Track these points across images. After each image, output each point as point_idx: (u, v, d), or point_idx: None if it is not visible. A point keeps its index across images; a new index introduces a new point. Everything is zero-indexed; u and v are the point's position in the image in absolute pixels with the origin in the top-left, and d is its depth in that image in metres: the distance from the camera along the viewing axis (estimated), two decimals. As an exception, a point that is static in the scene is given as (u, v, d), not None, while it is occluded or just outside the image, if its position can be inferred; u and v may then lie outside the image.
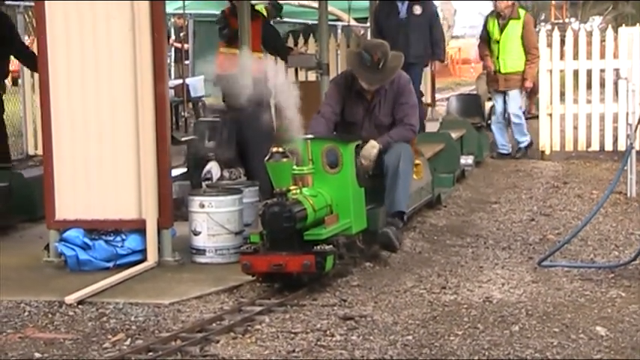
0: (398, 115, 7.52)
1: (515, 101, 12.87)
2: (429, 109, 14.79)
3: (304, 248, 6.29)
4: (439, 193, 9.42)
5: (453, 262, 7.34)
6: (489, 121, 13.80)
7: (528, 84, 12.79)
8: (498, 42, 12.67)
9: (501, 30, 12.62)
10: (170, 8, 14.76)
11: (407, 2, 11.81)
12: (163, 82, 7.25)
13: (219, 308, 6.09)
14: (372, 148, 7.28)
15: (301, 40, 14.93)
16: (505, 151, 13.03)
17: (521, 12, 12.93)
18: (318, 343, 5.38)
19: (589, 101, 13.21)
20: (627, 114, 10.68)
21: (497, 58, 12.68)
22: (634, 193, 9.73)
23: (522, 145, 13.02)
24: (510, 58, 12.59)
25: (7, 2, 12.29)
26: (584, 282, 6.72)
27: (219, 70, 9.50)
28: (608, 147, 13.02)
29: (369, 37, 12.61)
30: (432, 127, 12.40)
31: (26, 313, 6.14)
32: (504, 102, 12.89)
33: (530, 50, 12.54)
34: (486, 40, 12.96)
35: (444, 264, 7.26)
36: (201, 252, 7.20)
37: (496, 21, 12.69)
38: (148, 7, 7.04)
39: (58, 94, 7.25)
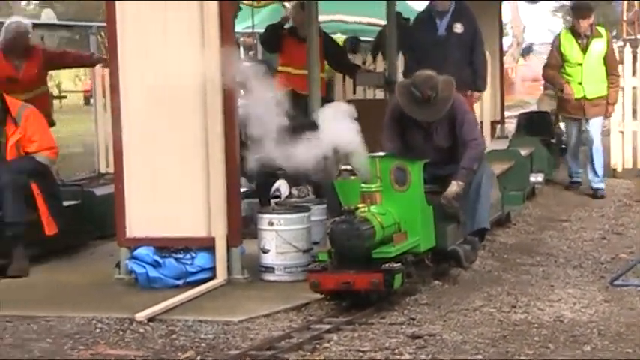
0: (461, 138, 7.39)
1: (599, 130, 11.44)
2: (498, 126, 14.64)
3: (372, 266, 6.26)
4: (509, 211, 9.37)
5: (523, 280, 7.28)
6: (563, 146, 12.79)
7: (612, 109, 11.42)
8: (580, 64, 11.02)
9: (584, 51, 11.02)
10: (239, 27, 14.85)
11: (447, 17, 10.08)
12: (232, 99, 7.28)
13: (287, 326, 6.08)
14: (455, 187, 7.14)
15: (369, 58, 14.90)
16: (579, 179, 11.70)
17: (601, 29, 11.32)
18: (387, 360, 5.37)
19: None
20: None
21: (580, 82, 11.04)
22: None
23: (597, 188, 11.23)
24: (594, 81, 11.04)
25: (81, 23, 12.54)
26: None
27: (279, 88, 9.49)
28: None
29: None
30: (501, 144, 12.28)
31: (97, 330, 6.18)
32: (579, 130, 11.46)
33: (612, 71, 11.17)
34: (560, 63, 11.20)
35: (514, 282, 7.20)
36: (270, 270, 7.22)
37: (575, 41, 11.05)
38: (217, 26, 7.10)
39: (129, 113, 7.32)
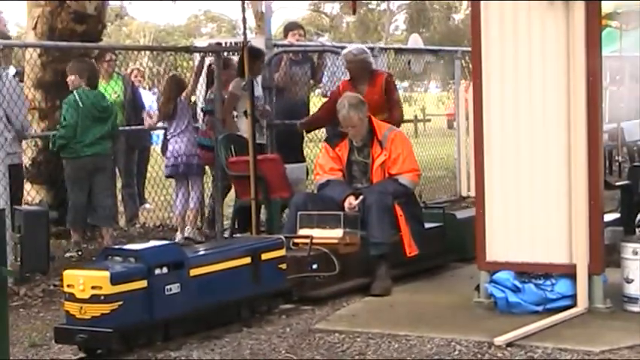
0: None
1: None
2: None
3: None
4: None
5: None
6: None
7: None
8: None
9: None
10: (606, 51, 14.49)
11: None
12: (597, 126, 7.17)
13: (651, 359, 5.91)
14: None
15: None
16: None
17: None
18: None
19: None
20: None
21: None
22: None
23: None
24: None
25: (446, 48, 12.68)
26: None
27: None
28: None
29: None
30: None
31: (456, 352, 6.24)
32: None
33: None
34: None
35: None
36: (634, 300, 7.01)
37: None
38: (583, 35, 7.01)
39: (490, 136, 7.38)
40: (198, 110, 10.75)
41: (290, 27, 12.13)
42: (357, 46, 10.41)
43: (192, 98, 10.80)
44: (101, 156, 9.86)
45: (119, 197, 12.06)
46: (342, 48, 12.16)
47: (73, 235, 10.09)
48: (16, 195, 9.35)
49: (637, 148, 14.81)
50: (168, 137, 10.74)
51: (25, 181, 10.30)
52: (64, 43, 10.82)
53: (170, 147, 10.54)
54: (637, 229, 7.77)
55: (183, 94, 10.55)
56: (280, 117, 11.01)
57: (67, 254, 9.83)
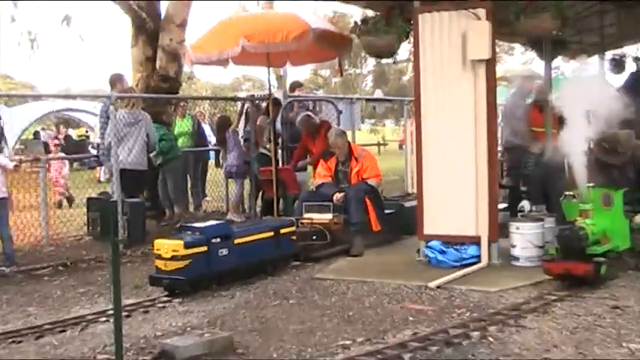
0: None
1: None
2: None
3: (586, 259, 6.03)
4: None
5: None
6: None
7: None
8: None
9: None
10: (499, 100, 14.19)
11: None
12: (494, 146, 7.14)
13: (527, 296, 5.96)
14: None
15: None
16: None
17: None
18: (594, 322, 5.15)
19: None
20: None
21: None
22: None
23: None
24: None
25: (397, 98, 12.57)
26: None
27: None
28: None
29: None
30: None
31: (404, 291, 6.26)
32: None
33: None
34: None
35: None
36: (516, 259, 7.07)
37: None
38: (485, 96, 6.99)
39: (426, 153, 7.36)
40: (240, 138, 10.79)
41: (295, 85, 12.07)
42: (309, 114, 10.25)
43: (239, 130, 10.81)
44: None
45: (189, 193, 12.07)
46: (332, 99, 12.22)
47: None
48: (135, 190, 9.41)
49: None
50: (223, 155, 10.84)
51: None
52: (156, 95, 10.92)
53: (227, 161, 10.60)
54: (518, 214, 7.80)
55: (231, 127, 10.61)
56: (292, 141, 11.03)
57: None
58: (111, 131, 9.06)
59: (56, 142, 21.01)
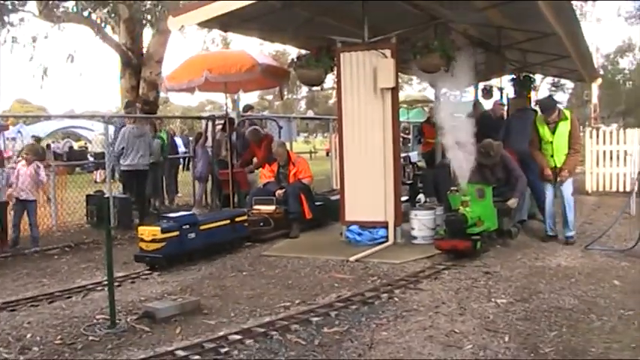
0: (512, 175, 6.93)
1: (569, 187, 6.93)
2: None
3: (466, 238, 6.17)
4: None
5: (542, 245, 6.89)
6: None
7: (565, 174, 6.86)
8: (551, 142, 6.88)
9: (552, 132, 6.86)
10: (402, 118, 14.26)
11: None
12: (397, 153, 7.15)
13: (423, 266, 6.04)
14: (514, 200, 6.84)
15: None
16: (553, 234, 7.15)
17: (567, 112, 6.97)
18: (472, 284, 5.29)
19: (611, 165, 11.85)
20: (631, 173, 10.22)
21: (552, 155, 6.87)
22: (634, 212, 8.43)
23: (568, 236, 6.96)
24: (563, 154, 6.86)
25: (325, 117, 12.46)
26: (608, 258, 6.17)
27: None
28: (621, 189, 11.62)
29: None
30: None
31: (331, 264, 6.27)
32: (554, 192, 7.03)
33: (573, 146, 6.86)
34: (538, 141, 6.98)
35: (537, 247, 6.82)
36: (414, 238, 7.12)
37: (546, 126, 6.88)
38: (391, 116, 7.00)
39: (347, 158, 7.35)
40: (208, 148, 10.64)
41: (246, 107, 11.96)
42: (256, 127, 10.14)
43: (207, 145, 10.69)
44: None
45: (165, 190, 11.86)
46: (275, 118, 12.16)
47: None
48: (139, 188, 9.28)
49: (416, 165, 14.82)
50: (194, 163, 10.79)
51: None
52: (139, 115, 10.69)
53: (196, 168, 10.57)
54: (416, 204, 7.91)
55: (199, 142, 10.51)
56: (244, 150, 10.89)
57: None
58: (120, 142, 9.16)
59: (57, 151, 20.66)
